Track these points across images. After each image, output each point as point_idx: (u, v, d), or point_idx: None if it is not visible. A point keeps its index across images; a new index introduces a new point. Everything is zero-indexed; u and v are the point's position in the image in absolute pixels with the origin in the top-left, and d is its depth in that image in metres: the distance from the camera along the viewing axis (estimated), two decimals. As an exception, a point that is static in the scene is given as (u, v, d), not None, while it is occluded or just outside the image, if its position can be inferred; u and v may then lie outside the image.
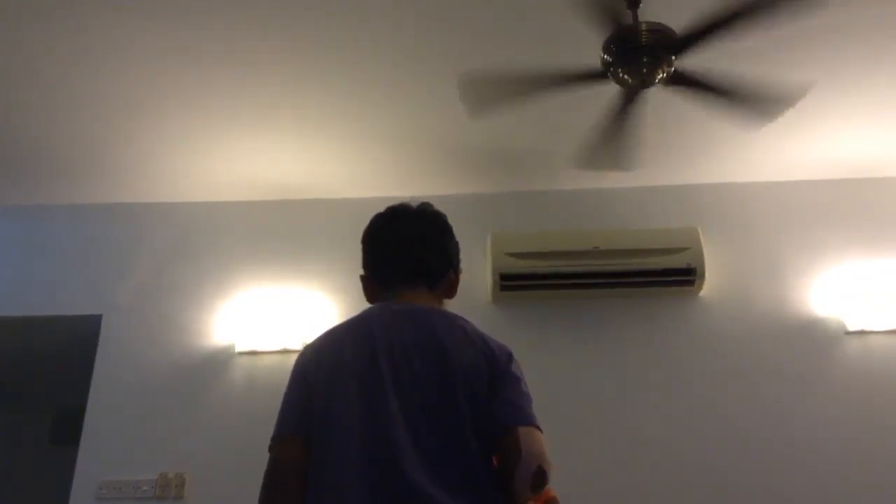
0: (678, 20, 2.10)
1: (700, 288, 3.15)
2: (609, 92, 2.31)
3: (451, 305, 3.61)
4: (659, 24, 2.12)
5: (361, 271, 1.53)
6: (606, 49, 2.17)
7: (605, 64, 2.20)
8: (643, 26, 2.13)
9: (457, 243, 1.56)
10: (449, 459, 1.21)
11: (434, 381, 1.27)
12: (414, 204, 1.55)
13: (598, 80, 2.25)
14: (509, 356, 1.37)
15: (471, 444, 1.23)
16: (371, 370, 1.29)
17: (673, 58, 2.16)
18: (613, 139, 2.47)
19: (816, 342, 3.08)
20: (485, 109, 2.51)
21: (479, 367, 1.31)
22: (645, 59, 2.15)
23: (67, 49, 2.53)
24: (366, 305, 1.48)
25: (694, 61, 2.18)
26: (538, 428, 1.28)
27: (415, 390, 1.27)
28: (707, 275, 3.09)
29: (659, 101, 2.46)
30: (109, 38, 2.48)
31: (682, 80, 2.24)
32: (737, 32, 2.07)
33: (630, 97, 2.31)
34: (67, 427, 3.89)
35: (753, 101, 2.29)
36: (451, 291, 1.53)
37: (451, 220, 1.55)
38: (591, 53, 2.21)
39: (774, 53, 2.54)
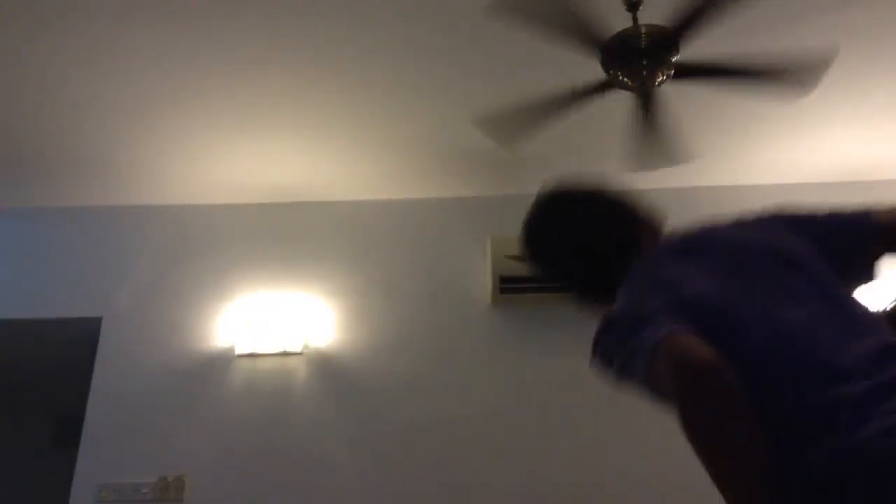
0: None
1: (700, 290, 3.15)
2: (616, 96, 2.32)
3: (450, 307, 3.57)
4: (656, 25, 2.12)
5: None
6: (605, 54, 2.17)
7: (605, 68, 2.20)
8: (642, 30, 2.13)
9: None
10: None
11: None
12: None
13: (609, 90, 2.26)
14: None
15: None
16: None
17: (672, 59, 2.16)
18: (652, 139, 2.48)
19: (816, 344, 3.07)
20: (515, 139, 2.58)
21: None
22: (644, 62, 2.15)
23: (68, 53, 2.53)
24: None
25: (701, 49, 2.16)
26: None
27: None
28: (707, 277, 3.08)
29: (659, 103, 2.46)
30: (109, 42, 2.49)
31: (690, 72, 2.21)
32: (726, 11, 2.05)
33: (644, 98, 2.31)
34: (67, 430, 3.89)
35: (779, 75, 2.20)
36: None
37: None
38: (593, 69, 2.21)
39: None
